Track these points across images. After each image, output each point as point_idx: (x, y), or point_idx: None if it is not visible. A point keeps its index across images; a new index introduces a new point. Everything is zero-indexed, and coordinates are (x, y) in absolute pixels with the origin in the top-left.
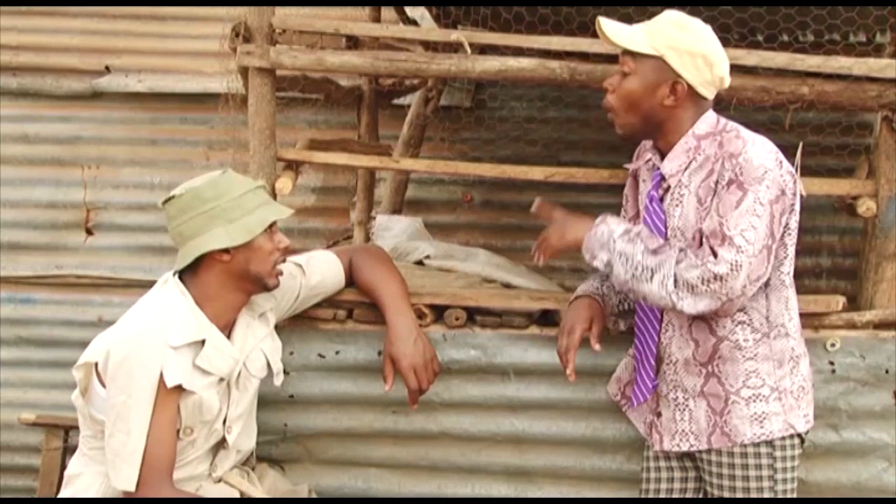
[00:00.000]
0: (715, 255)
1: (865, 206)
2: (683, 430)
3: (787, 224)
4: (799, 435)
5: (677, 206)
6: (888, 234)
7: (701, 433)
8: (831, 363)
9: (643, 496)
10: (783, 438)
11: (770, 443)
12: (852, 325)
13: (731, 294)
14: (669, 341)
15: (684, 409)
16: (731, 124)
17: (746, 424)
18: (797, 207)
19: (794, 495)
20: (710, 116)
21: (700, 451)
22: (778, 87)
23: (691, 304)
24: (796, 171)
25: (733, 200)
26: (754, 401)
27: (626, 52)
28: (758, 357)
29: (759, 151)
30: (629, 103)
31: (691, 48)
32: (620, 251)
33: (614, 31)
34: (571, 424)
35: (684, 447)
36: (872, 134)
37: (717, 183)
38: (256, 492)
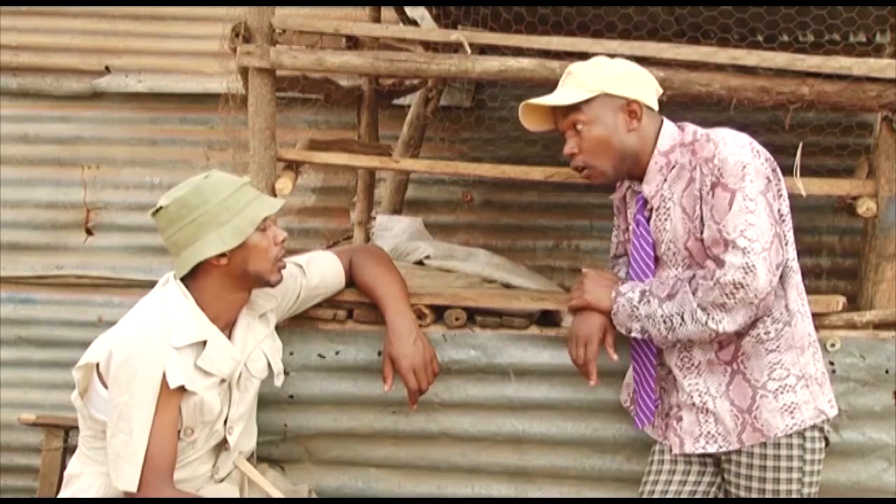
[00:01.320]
0: (722, 264)
1: (865, 206)
2: (709, 433)
3: (779, 210)
4: (822, 430)
5: (666, 220)
6: (888, 234)
7: (729, 433)
8: (831, 363)
9: (648, 496)
10: (813, 429)
11: (801, 433)
12: (852, 326)
13: (759, 294)
14: (690, 346)
15: (707, 412)
16: (701, 131)
17: (778, 417)
18: (784, 193)
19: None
20: (670, 129)
21: (729, 451)
22: (778, 87)
23: (731, 322)
24: (796, 171)
25: (724, 204)
26: (782, 392)
27: (570, 111)
28: (780, 348)
29: (732, 149)
30: (601, 148)
31: (619, 72)
32: (646, 315)
33: (552, 99)
34: (571, 424)
35: (711, 449)
36: (872, 134)
37: (700, 190)
38: (263, 480)
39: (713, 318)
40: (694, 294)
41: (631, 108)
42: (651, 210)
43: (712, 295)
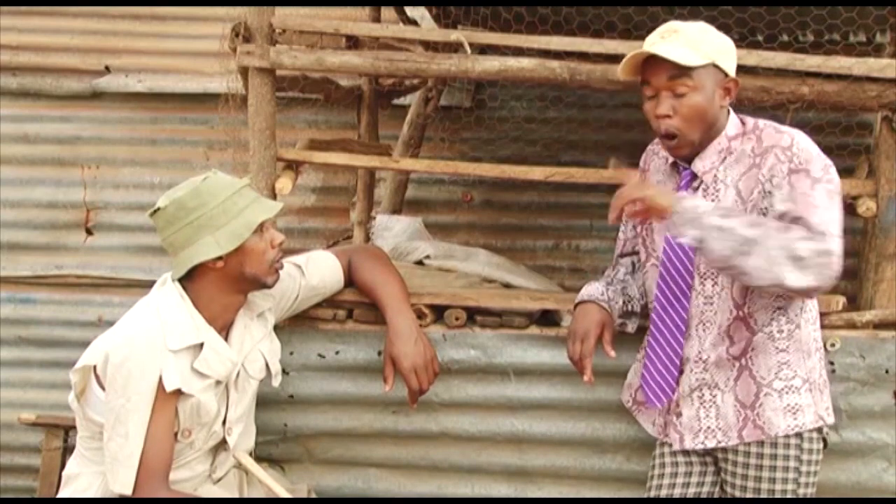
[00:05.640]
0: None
1: (865, 206)
2: (709, 427)
3: None
4: (820, 431)
5: (714, 199)
6: (888, 234)
7: (730, 428)
8: (831, 363)
9: (654, 495)
10: (812, 431)
11: (800, 434)
12: (852, 325)
13: (832, 274)
14: (702, 341)
15: (710, 406)
16: (762, 122)
17: (780, 416)
18: None
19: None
20: (735, 118)
21: (726, 448)
22: (778, 87)
23: (798, 278)
24: None
25: (806, 189)
26: (787, 392)
27: (680, 73)
28: (789, 349)
29: (811, 144)
30: (698, 118)
31: (725, 46)
32: (718, 226)
33: (671, 55)
34: (571, 424)
35: (710, 444)
36: (872, 134)
37: (770, 176)
38: (264, 475)
39: (785, 266)
40: (786, 231)
41: (727, 86)
42: (697, 188)
43: (807, 245)
